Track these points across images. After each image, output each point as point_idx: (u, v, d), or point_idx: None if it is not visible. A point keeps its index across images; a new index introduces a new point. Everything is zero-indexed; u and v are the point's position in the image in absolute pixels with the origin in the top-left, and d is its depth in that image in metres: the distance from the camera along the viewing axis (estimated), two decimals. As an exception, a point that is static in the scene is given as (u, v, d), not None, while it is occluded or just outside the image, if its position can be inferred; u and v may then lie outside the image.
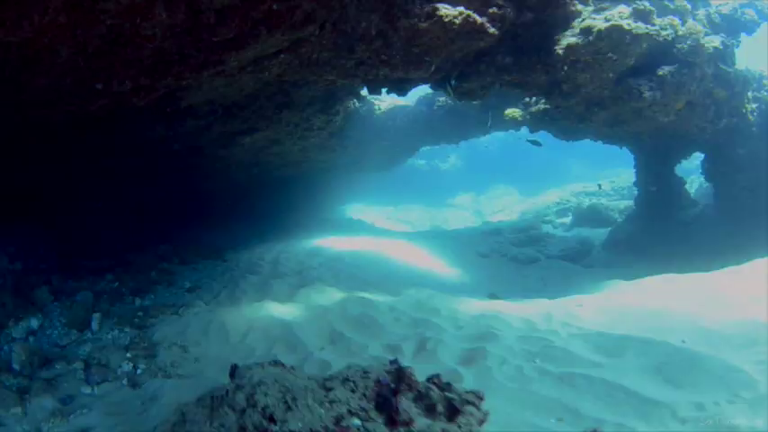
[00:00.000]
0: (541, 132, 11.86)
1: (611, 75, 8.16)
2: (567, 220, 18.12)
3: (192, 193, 12.27)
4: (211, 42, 4.75)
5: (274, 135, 11.05)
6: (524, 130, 12.37)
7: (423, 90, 13.84)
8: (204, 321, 6.58)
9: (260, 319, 6.46)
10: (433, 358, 5.15)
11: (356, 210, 25.93)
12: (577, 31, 7.42)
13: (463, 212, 29.10)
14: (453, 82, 7.39)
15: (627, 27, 7.41)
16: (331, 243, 12.61)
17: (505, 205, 25.46)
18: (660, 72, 8.32)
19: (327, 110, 10.70)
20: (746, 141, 10.14)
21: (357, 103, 12.99)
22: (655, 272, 11.73)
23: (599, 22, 7.50)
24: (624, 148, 13.29)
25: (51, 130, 6.44)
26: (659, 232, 12.70)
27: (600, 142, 12.05)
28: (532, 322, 5.86)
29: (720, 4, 9.81)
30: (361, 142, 14.17)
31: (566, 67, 7.49)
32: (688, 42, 8.28)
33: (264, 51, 5.53)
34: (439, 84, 7.72)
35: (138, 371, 5.58)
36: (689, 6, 9.04)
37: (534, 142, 10.42)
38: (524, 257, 12.80)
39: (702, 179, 14.92)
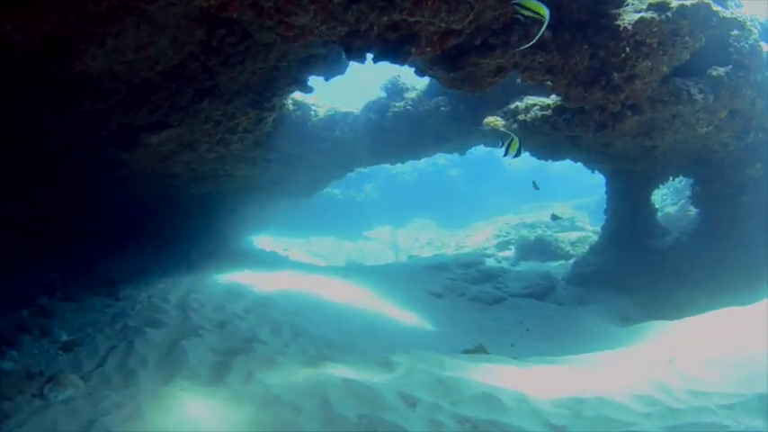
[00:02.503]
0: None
1: (665, 69, 6.52)
2: (510, 253, 16.53)
3: (89, 209, 10.36)
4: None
5: (188, 135, 8.44)
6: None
7: (372, 90, 11.59)
8: (80, 425, 3.66)
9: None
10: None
11: (264, 241, 23.20)
12: (644, 6, 5.60)
13: (380, 246, 27.31)
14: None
15: (714, 7, 5.74)
16: (250, 280, 9.90)
17: (432, 239, 23.70)
18: (713, 73, 6.90)
19: (261, 103, 8.14)
20: (759, 160, 8.96)
21: (292, 105, 10.48)
22: (642, 306, 10.40)
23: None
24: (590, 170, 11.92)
25: None
26: (634, 263, 11.44)
27: (579, 163, 10.49)
28: (657, 401, 3.64)
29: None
30: (289, 157, 11.59)
31: (628, 49, 5.64)
32: (749, 41, 6.81)
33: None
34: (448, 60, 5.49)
35: None
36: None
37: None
38: (488, 297, 10.79)
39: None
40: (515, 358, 5.63)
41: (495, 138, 8.86)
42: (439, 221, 29.15)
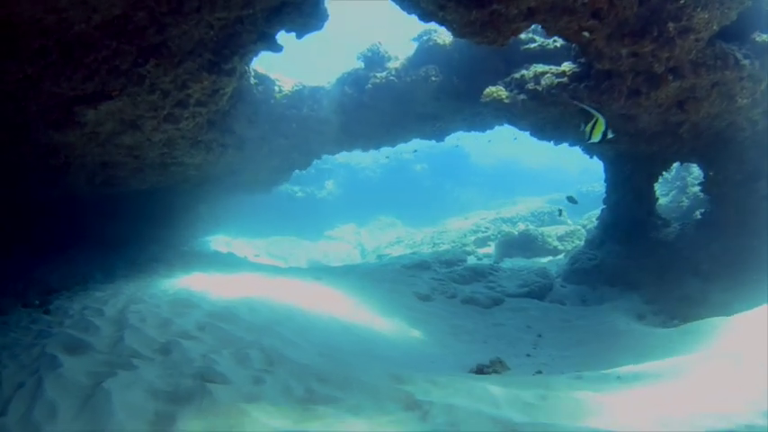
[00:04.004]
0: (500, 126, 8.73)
1: (714, 27, 5.33)
2: (490, 249, 15.29)
3: (21, 208, 9.51)
4: None
5: (131, 110, 7.05)
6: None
7: (346, 59, 10.00)
8: None
9: None
10: None
11: (220, 242, 21.45)
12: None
13: (344, 246, 25.90)
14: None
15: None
16: (204, 285, 8.29)
17: (401, 237, 22.31)
18: (758, 38, 5.85)
19: (219, 65, 6.56)
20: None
21: (253, 77, 8.84)
22: (652, 303, 9.27)
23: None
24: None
25: None
26: (638, 256, 10.35)
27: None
28: None
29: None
30: (247, 141, 9.93)
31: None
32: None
33: None
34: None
35: None
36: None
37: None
38: (483, 298, 9.42)
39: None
40: (579, 377, 4.20)
41: (566, 116, 7.49)
42: (404, 219, 27.84)
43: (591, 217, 17.50)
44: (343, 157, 29.77)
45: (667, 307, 9.02)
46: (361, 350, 5.74)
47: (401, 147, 12.81)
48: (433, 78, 8.47)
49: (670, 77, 6.27)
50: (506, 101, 7.45)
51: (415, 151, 23.78)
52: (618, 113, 7.40)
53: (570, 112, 7.89)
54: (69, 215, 10.55)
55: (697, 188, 15.39)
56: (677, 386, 3.99)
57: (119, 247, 11.18)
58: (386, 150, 13.16)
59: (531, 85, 7.34)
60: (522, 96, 7.41)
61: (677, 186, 15.65)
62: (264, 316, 6.45)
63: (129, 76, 6.62)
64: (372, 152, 31.89)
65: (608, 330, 7.35)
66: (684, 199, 15.36)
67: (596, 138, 4.82)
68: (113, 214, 11.35)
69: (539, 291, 10.26)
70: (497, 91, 7.47)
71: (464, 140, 30.72)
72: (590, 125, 4.82)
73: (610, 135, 4.77)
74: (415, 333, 7.55)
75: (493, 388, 3.68)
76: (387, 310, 8.52)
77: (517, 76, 7.74)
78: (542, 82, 7.28)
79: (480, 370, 5.91)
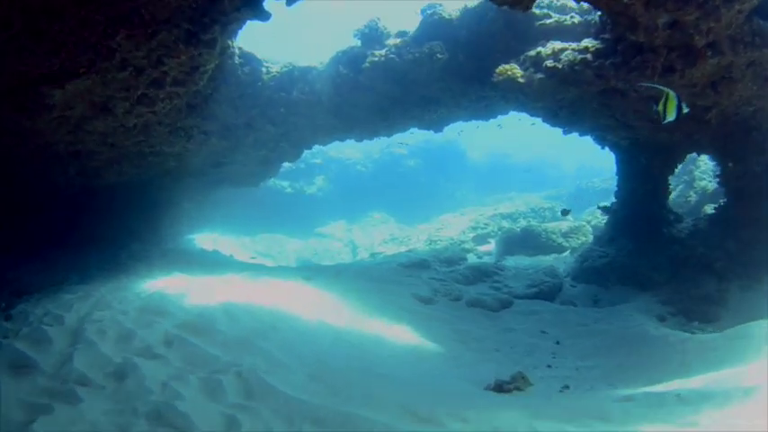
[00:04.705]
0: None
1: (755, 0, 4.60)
2: (490, 247, 14.53)
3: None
4: None
5: (101, 90, 6.53)
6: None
7: (343, 38, 9.11)
8: None
9: None
10: None
11: (206, 240, 20.51)
12: None
13: (335, 243, 25.06)
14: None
15: None
16: (181, 288, 7.48)
17: (395, 234, 21.53)
18: None
19: (197, 37, 5.76)
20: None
21: (237, 56, 7.99)
22: (669, 304, 8.63)
23: None
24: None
25: None
26: (650, 254, 9.68)
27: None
28: None
29: None
30: (232, 129, 9.07)
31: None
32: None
33: None
34: None
35: None
36: None
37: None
38: (490, 300, 8.62)
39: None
40: (630, 399, 3.43)
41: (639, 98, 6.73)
42: (397, 216, 27.02)
43: (593, 213, 16.83)
44: (334, 151, 29.01)
45: (684, 307, 8.43)
46: (361, 367, 4.93)
47: (395, 139, 12.04)
48: (439, 56, 7.60)
49: (708, 53, 5.53)
50: (521, 80, 6.66)
51: (402, 144, 22.88)
52: (645, 95, 6.65)
53: (589, 94, 7.12)
54: (48, 211, 9.76)
55: (705, 182, 14.79)
56: (755, 409, 3.24)
57: (100, 244, 10.46)
58: (381, 142, 12.29)
59: (549, 63, 6.55)
60: (538, 75, 6.63)
61: (684, 181, 14.98)
62: (245, 326, 5.59)
63: (97, 49, 5.84)
64: (365, 147, 31.05)
65: (636, 336, 6.60)
66: (692, 194, 14.73)
67: (671, 115, 4.37)
68: (94, 210, 10.63)
69: (548, 291, 9.51)
70: (511, 69, 6.68)
71: (459, 135, 30.03)
72: (661, 103, 4.33)
73: (685, 109, 4.18)
74: (419, 341, 6.75)
75: (538, 425, 2.88)
76: (385, 314, 7.72)
77: (532, 53, 6.94)
78: (563, 58, 6.50)
79: (500, 387, 5.14)
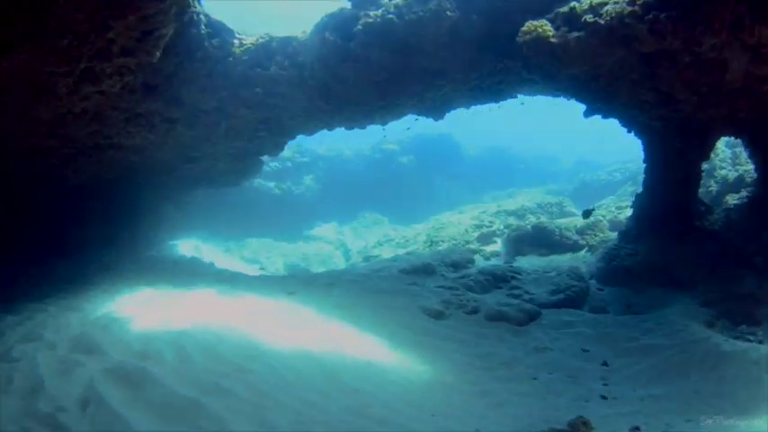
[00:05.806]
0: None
1: None
2: (497, 246, 13.25)
3: None
4: None
5: (39, 64, 4.93)
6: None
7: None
8: None
9: None
10: None
11: (188, 245, 19.15)
12: None
13: (326, 247, 23.72)
14: None
15: None
16: (139, 306, 6.25)
17: (390, 236, 20.21)
18: None
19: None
20: None
21: (204, 26, 6.63)
22: (712, 306, 7.39)
23: None
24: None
25: None
26: (683, 250, 8.67)
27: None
28: None
29: None
30: (200, 115, 7.70)
31: None
32: None
33: None
34: None
35: None
36: None
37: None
38: (515, 312, 7.32)
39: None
40: None
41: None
42: (391, 216, 25.72)
43: (606, 207, 15.63)
44: (323, 148, 27.62)
45: (726, 309, 7.36)
46: (361, 427, 3.58)
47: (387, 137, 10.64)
48: (449, 13, 6.19)
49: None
50: (553, 39, 5.40)
51: (385, 136, 21.54)
52: (705, 57, 5.36)
53: (630, 61, 5.83)
54: (11, 216, 8.63)
55: (725, 171, 13.68)
56: None
57: (73, 252, 9.69)
58: (372, 137, 10.90)
59: (589, 18, 5.28)
60: (575, 34, 5.32)
61: (704, 170, 13.84)
62: (198, 371, 4.15)
63: (33, 10, 4.46)
64: (355, 144, 29.53)
65: (705, 353, 5.35)
66: (713, 183, 13.55)
67: None
68: (67, 215, 9.77)
69: (576, 297, 8.25)
70: (541, 26, 5.40)
71: (455, 128, 28.73)
72: None
73: None
74: (434, 373, 5.41)
75: None
76: (388, 336, 6.40)
77: (564, 9, 5.67)
78: (605, 12, 5.20)
79: (560, 437, 3.84)
